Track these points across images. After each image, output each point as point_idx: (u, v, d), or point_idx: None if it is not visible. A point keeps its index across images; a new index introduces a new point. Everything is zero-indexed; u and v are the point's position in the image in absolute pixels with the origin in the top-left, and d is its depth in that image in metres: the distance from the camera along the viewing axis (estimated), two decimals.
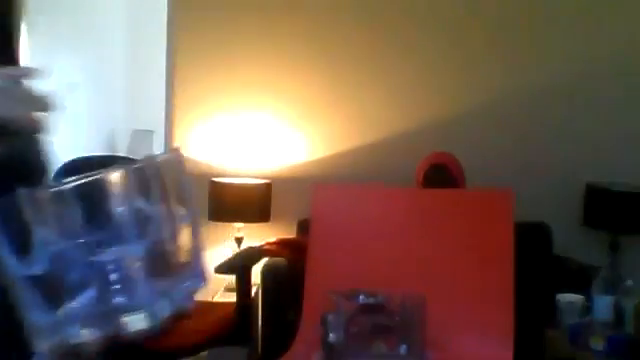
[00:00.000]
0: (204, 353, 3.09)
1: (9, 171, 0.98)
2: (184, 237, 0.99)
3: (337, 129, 3.85)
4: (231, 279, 3.42)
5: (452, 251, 3.10)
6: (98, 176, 0.87)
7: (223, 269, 3.17)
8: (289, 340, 2.97)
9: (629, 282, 2.78)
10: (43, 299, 0.86)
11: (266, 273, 3.24)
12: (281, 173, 3.81)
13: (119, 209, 0.87)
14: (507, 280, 2.98)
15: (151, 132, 5.49)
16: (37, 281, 0.86)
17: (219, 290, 3.61)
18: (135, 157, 0.94)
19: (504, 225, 3.10)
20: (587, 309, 2.80)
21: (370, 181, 3.65)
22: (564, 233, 3.62)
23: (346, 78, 3.84)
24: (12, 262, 0.85)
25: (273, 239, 3.48)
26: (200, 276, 1.02)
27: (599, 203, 3.62)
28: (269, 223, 3.70)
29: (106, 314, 0.87)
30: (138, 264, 0.88)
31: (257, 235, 3.67)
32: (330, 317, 2.64)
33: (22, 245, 0.85)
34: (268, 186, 3.70)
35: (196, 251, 1.02)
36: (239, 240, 3.67)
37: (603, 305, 2.73)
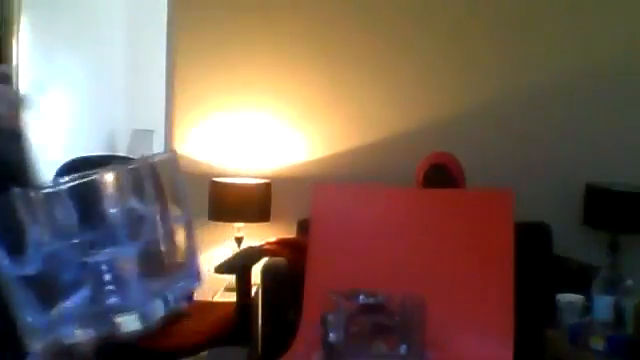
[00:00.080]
0: (204, 353, 3.09)
1: None
2: (179, 237, 0.99)
3: (337, 129, 3.85)
4: (231, 279, 3.42)
5: (452, 251, 3.10)
6: (92, 177, 0.87)
7: (223, 269, 3.17)
8: (289, 340, 2.97)
9: (629, 282, 2.77)
10: (37, 299, 0.86)
11: (266, 273, 3.24)
12: (281, 173, 3.81)
13: (113, 210, 0.87)
14: (507, 280, 2.98)
15: (151, 132, 5.49)
16: (31, 281, 0.85)
17: (219, 290, 3.61)
18: (133, 157, 0.94)
19: (504, 225, 3.09)
20: (587, 309, 2.80)
21: (370, 181, 3.65)
22: (564, 233, 3.62)
23: (346, 78, 3.84)
24: (5, 262, 0.85)
25: (273, 239, 3.48)
26: (194, 276, 1.01)
27: (599, 203, 3.62)
28: (269, 223, 3.70)
29: (100, 314, 0.87)
30: (132, 265, 0.88)
31: (257, 235, 3.67)
32: (330, 317, 2.64)
33: (15, 245, 0.85)
34: (268, 186, 3.70)
35: (190, 251, 1.02)
36: (239, 240, 3.67)
37: (603, 305, 2.73)
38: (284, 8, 3.83)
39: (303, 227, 3.41)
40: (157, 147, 5.11)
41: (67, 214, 0.85)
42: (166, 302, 0.93)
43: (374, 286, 2.79)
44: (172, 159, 0.98)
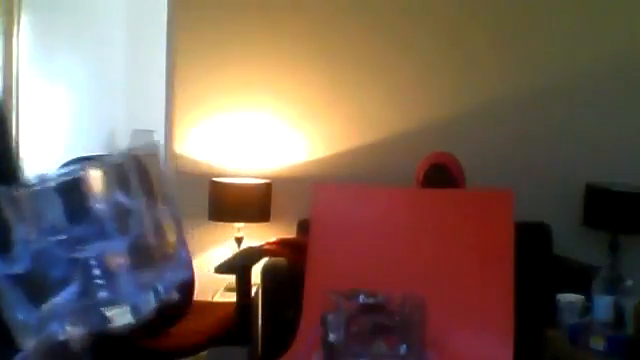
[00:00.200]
0: (204, 353, 3.09)
1: None
2: (166, 228, 0.99)
3: (337, 129, 3.85)
4: (231, 279, 3.42)
5: (452, 251, 3.10)
6: (77, 173, 0.87)
7: (223, 269, 3.16)
8: (289, 340, 2.97)
9: (629, 282, 2.77)
10: (26, 297, 0.86)
11: (266, 273, 3.24)
12: (281, 173, 3.81)
13: (99, 205, 0.87)
14: (507, 280, 2.98)
15: (151, 132, 5.49)
16: (20, 279, 0.85)
17: (219, 290, 3.61)
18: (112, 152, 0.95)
19: (504, 225, 3.09)
20: (587, 309, 2.80)
21: (370, 181, 3.65)
22: (564, 233, 3.62)
23: (346, 78, 3.84)
24: None
25: (273, 239, 3.48)
26: (184, 266, 1.01)
27: (599, 203, 3.62)
28: (269, 223, 3.70)
29: (90, 309, 0.87)
30: (120, 258, 0.88)
31: (257, 235, 3.67)
32: (330, 317, 2.64)
33: (2, 244, 0.85)
34: (268, 186, 3.70)
35: (179, 242, 1.01)
36: (239, 240, 3.67)
37: (603, 305, 2.73)
38: (284, 8, 3.83)
39: (303, 227, 3.41)
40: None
41: (53, 211, 0.85)
42: (156, 293, 0.93)
43: (374, 286, 2.79)
44: (154, 152, 0.99)
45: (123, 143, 5.21)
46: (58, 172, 0.86)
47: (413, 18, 3.83)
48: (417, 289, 2.77)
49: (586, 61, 3.82)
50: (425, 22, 3.83)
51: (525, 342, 2.89)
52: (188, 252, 1.02)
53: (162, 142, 4.06)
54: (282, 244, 3.41)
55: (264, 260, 3.34)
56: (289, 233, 3.58)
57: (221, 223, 3.69)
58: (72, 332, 0.86)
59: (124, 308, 0.88)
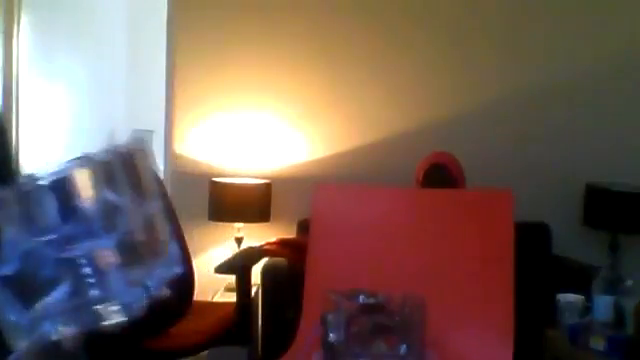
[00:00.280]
0: (204, 353, 3.09)
1: None
2: (155, 225, 0.98)
3: (337, 129, 3.85)
4: (231, 279, 3.42)
5: (452, 251, 3.09)
6: (64, 173, 0.86)
7: (223, 269, 3.16)
8: (289, 340, 2.97)
9: (629, 282, 2.77)
10: (17, 298, 0.85)
11: (266, 273, 3.24)
12: (281, 173, 3.81)
13: (87, 204, 0.87)
14: (507, 280, 2.98)
15: (151, 132, 5.48)
16: (9, 281, 0.85)
17: (219, 290, 3.61)
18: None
19: (504, 225, 3.09)
20: (587, 309, 2.80)
21: (370, 181, 3.65)
22: (564, 233, 3.62)
23: (346, 78, 3.84)
24: None
25: (273, 239, 3.48)
26: (174, 262, 1.01)
27: (599, 203, 3.62)
28: (269, 223, 3.70)
29: (82, 308, 0.87)
30: (110, 256, 0.88)
31: (257, 235, 3.67)
32: (330, 317, 2.63)
33: None
34: (268, 186, 3.70)
35: (169, 238, 1.01)
36: (239, 240, 3.67)
37: (603, 305, 2.73)
38: (284, 8, 3.83)
39: (303, 227, 3.41)
40: (157, 147, 5.11)
41: (41, 211, 0.85)
42: (147, 290, 0.93)
43: (374, 286, 2.79)
44: (142, 147, 0.98)
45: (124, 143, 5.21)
46: (45, 172, 0.86)
47: (413, 18, 3.83)
48: (417, 289, 2.76)
49: (586, 61, 3.82)
50: (425, 22, 3.83)
51: (525, 342, 2.89)
52: (178, 248, 1.01)
53: (162, 142, 4.06)
54: (282, 244, 3.41)
55: (264, 260, 3.34)
56: (289, 233, 3.58)
57: (221, 223, 3.70)
58: (65, 331, 0.86)
59: (115, 306, 0.88)
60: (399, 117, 3.84)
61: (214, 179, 3.68)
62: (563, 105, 3.82)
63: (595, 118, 3.81)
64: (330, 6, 3.83)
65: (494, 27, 3.83)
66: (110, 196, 0.89)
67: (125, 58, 5.69)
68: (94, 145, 0.95)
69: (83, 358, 0.91)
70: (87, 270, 0.86)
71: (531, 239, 3.37)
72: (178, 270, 1.00)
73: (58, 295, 0.85)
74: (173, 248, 1.00)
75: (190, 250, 3.07)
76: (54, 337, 0.86)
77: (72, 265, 0.85)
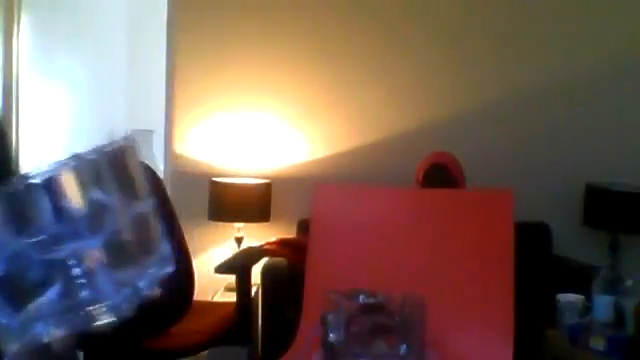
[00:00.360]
0: (204, 353, 3.09)
1: None
2: (146, 224, 0.97)
3: (337, 129, 3.85)
4: (231, 279, 3.42)
5: (452, 251, 3.09)
6: (51, 173, 0.85)
7: (223, 269, 3.16)
8: (289, 340, 2.97)
9: (629, 282, 2.77)
10: (6, 301, 0.84)
11: (266, 273, 3.24)
12: (281, 173, 3.81)
13: (75, 204, 0.86)
14: (507, 280, 2.98)
15: (151, 132, 5.49)
16: None
17: (219, 290, 3.61)
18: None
19: (504, 225, 3.09)
20: (587, 309, 2.80)
21: (370, 181, 3.65)
22: (564, 233, 3.62)
23: (346, 78, 3.84)
24: None
25: (273, 239, 3.48)
26: (166, 261, 1.00)
27: (599, 203, 3.62)
28: (269, 223, 3.70)
29: (73, 309, 0.86)
30: (99, 256, 0.87)
31: (257, 235, 3.67)
32: (330, 317, 2.63)
33: None
34: (268, 186, 3.70)
35: (160, 237, 1.00)
36: (239, 240, 3.67)
37: (603, 305, 2.73)
38: (284, 8, 3.83)
39: (303, 227, 3.41)
40: (157, 147, 5.11)
41: (28, 212, 0.84)
42: (138, 290, 0.92)
43: (374, 286, 2.79)
44: (131, 144, 0.97)
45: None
46: (32, 172, 0.85)
47: (413, 18, 3.83)
48: (417, 289, 2.76)
49: (586, 61, 3.82)
50: (425, 22, 3.83)
51: (525, 342, 2.89)
52: (169, 246, 1.00)
53: (162, 142, 4.07)
54: (282, 244, 3.41)
55: (264, 260, 3.34)
56: (289, 233, 3.58)
57: (221, 223, 3.70)
58: (56, 333, 0.85)
59: (106, 307, 0.87)
60: (399, 117, 3.84)
61: (214, 179, 3.68)
62: (563, 105, 3.82)
63: (595, 118, 3.81)
64: (330, 6, 3.83)
65: (494, 27, 3.83)
66: (98, 195, 0.88)
67: (125, 58, 5.70)
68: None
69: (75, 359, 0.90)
70: (76, 271, 0.85)
71: (531, 239, 3.37)
72: (169, 269, 0.99)
73: (48, 297, 0.84)
74: (165, 247, 0.99)
75: (190, 250, 3.08)
76: (45, 339, 0.85)
77: (61, 266, 0.85)
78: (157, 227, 0.98)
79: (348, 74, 3.83)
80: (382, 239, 3.16)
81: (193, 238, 3.57)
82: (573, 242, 3.66)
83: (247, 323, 3.09)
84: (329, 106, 3.84)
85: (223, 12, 3.83)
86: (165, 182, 3.45)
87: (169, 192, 3.32)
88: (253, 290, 3.21)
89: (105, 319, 0.87)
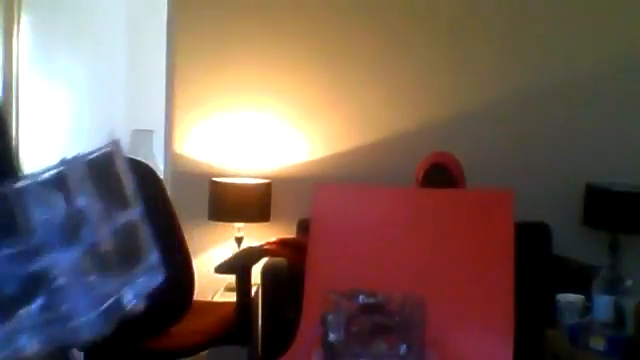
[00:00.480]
0: (204, 353, 3.09)
1: None
2: (133, 233, 0.95)
3: (337, 129, 3.85)
4: (231, 279, 3.42)
5: (452, 251, 3.09)
6: (31, 181, 0.83)
7: (223, 269, 3.16)
8: (289, 340, 2.97)
9: (629, 282, 2.77)
10: None
11: (266, 273, 3.24)
12: (281, 173, 3.81)
13: (55, 213, 0.83)
14: (507, 280, 2.98)
15: (151, 132, 5.50)
16: None
17: (219, 290, 3.61)
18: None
19: (504, 225, 3.09)
20: (587, 309, 2.80)
21: (370, 181, 3.65)
22: (564, 233, 3.62)
23: (346, 78, 3.84)
24: None
25: (273, 239, 3.48)
26: (156, 271, 0.98)
27: (599, 203, 3.62)
28: (269, 223, 3.70)
29: (55, 321, 0.84)
30: (81, 268, 0.85)
31: (257, 235, 3.67)
32: (330, 317, 2.63)
33: None
34: (268, 186, 3.70)
35: (148, 245, 0.98)
36: (239, 240, 3.67)
37: (603, 305, 2.73)
38: (284, 8, 3.83)
39: (303, 227, 3.41)
40: (157, 147, 5.11)
41: (8, 222, 0.82)
42: (120, 304, 0.90)
43: (374, 286, 2.79)
44: (116, 150, 0.95)
45: (123, 143, 5.22)
46: (12, 181, 0.83)
47: (413, 18, 3.83)
48: (417, 289, 2.76)
49: (586, 61, 3.82)
50: (425, 22, 3.83)
51: (525, 342, 2.89)
52: (158, 256, 0.98)
53: (162, 142, 4.07)
54: (282, 244, 3.41)
55: (264, 260, 3.34)
56: (289, 233, 3.58)
57: (221, 223, 3.70)
58: (39, 346, 0.84)
59: (89, 318, 0.85)
60: (399, 117, 3.84)
61: (214, 179, 3.68)
62: (563, 105, 3.82)
63: (595, 118, 3.81)
64: (330, 6, 3.83)
65: (494, 27, 3.83)
66: (81, 204, 0.86)
67: (125, 58, 5.70)
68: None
69: None
70: (59, 282, 0.83)
71: (531, 239, 3.37)
72: (159, 279, 0.96)
73: (31, 310, 0.82)
74: (153, 257, 0.97)
75: (190, 250, 3.08)
76: (29, 351, 0.84)
77: (42, 277, 0.83)
78: (145, 236, 0.96)
79: (348, 74, 3.83)
80: (382, 239, 3.16)
81: (193, 238, 3.57)
82: (573, 242, 3.66)
83: (247, 323, 3.09)
84: (329, 106, 3.84)
85: (223, 12, 3.83)
86: (165, 182, 3.45)
87: (169, 192, 3.31)
88: (253, 290, 3.21)
89: (88, 331, 0.85)
